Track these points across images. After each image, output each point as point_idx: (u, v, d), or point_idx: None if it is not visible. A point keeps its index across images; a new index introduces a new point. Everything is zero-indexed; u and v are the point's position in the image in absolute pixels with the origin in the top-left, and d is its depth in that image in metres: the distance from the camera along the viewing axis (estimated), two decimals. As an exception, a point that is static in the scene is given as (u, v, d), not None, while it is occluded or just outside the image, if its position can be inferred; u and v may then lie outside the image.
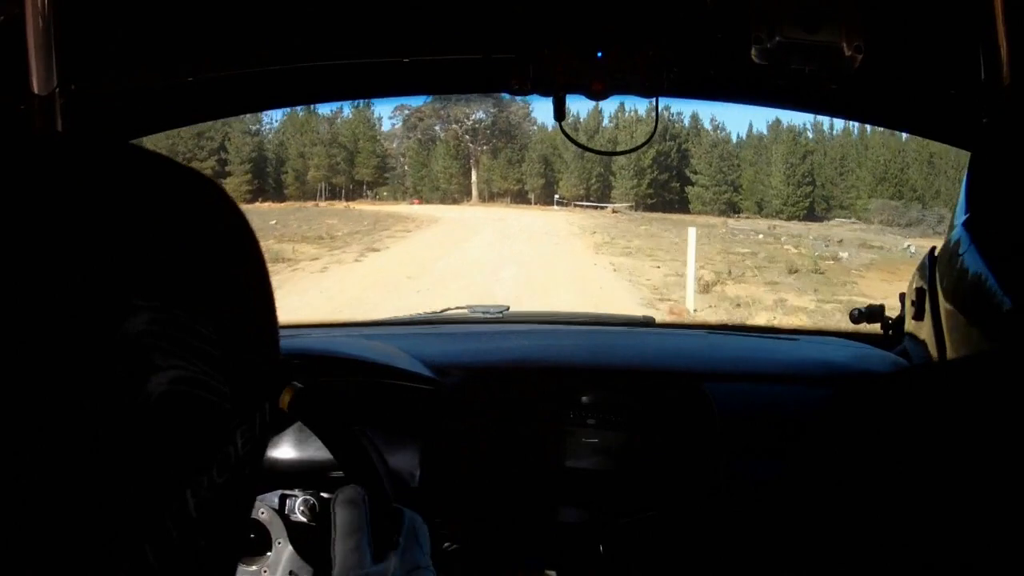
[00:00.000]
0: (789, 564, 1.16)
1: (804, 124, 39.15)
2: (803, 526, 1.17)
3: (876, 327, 1.47)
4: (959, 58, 1.01)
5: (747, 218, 35.00)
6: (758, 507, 1.18)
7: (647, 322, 1.83)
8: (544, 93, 1.04)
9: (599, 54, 1.02)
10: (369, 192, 41.79)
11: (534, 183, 41.04)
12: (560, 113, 1.07)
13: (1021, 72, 0.92)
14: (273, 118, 42.64)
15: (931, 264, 1.08)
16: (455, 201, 40.29)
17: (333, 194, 40.20)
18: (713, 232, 24.66)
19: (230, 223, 0.37)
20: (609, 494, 1.20)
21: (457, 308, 1.82)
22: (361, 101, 37.37)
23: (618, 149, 35.04)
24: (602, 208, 36.73)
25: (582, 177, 39.74)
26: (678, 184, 39.62)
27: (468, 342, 1.52)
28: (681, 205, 38.57)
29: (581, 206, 37.64)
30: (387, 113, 44.71)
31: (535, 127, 43.52)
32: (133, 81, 1.11)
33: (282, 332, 0.41)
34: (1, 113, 0.97)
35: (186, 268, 0.33)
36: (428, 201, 39.50)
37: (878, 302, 1.46)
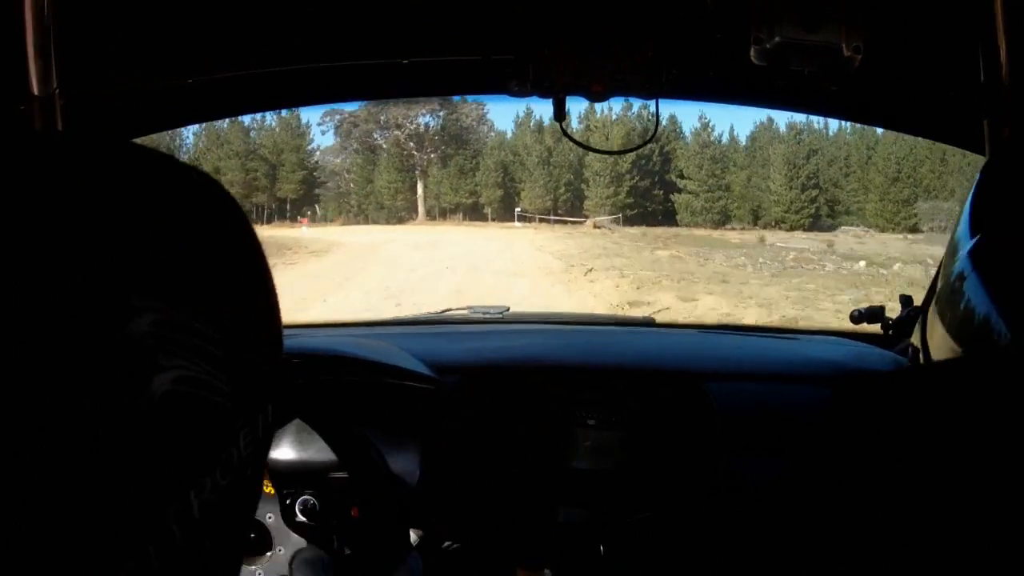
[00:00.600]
0: (789, 564, 1.16)
1: (801, 122, 34.23)
2: (803, 526, 1.16)
3: (876, 327, 1.47)
4: (959, 58, 1.01)
5: (786, 231, 29.38)
6: (758, 506, 1.18)
7: (647, 322, 1.83)
8: (544, 94, 1.04)
9: (599, 54, 1.02)
10: (308, 212, 35.27)
11: (491, 195, 34.73)
12: (560, 114, 1.07)
13: (1021, 72, 0.92)
14: (190, 130, 35.90)
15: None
16: (400, 220, 34.55)
17: (257, 216, 33.59)
18: (755, 254, 17.48)
19: (232, 222, 0.37)
20: (609, 494, 1.20)
21: (458, 308, 1.83)
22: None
23: (592, 151, 32.20)
24: (578, 223, 28.76)
25: (548, 187, 33.60)
26: (661, 192, 33.99)
27: (468, 342, 1.52)
28: (666, 216, 32.95)
29: (549, 221, 29.66)
30: (316, 119, 37.66)
31: (493, 132, 37.21)
32: (132, 82, 1.11)
33: (282, 332, 0.41)
34: (1, 113, 0.97)
35: (189, 268, 0.33)
36: (374, 221, 33.50)
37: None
